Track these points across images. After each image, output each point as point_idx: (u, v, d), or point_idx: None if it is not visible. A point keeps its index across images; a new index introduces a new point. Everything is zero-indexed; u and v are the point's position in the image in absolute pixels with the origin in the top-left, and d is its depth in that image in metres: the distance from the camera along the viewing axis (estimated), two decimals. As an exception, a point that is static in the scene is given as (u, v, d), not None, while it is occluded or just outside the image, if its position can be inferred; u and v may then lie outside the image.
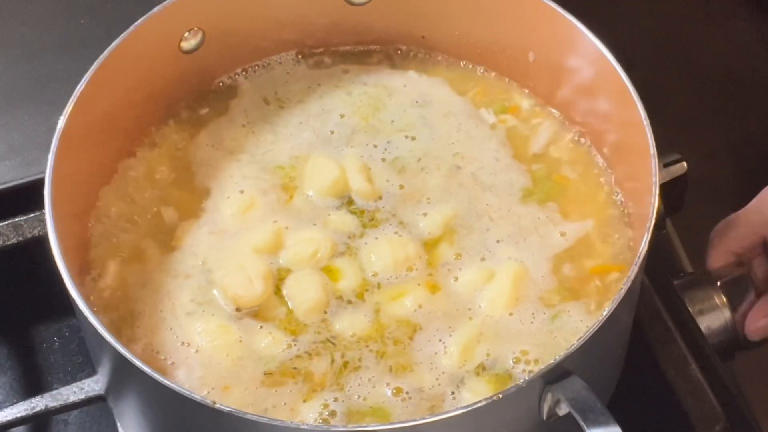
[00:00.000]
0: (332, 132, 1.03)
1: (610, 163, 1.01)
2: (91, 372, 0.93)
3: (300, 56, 1.09)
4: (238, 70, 1.07)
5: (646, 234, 0.86)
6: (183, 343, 0.91)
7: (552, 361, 0.80)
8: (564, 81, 1.02)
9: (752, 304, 1.06)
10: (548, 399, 0.81)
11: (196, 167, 1.02)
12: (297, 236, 0.96)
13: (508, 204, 0.99)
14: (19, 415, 0.91)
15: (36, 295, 1.05)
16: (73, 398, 0.91)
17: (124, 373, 0.85)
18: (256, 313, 0.93)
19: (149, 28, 0.97)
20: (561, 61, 1.01)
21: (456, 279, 0.95)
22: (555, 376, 0.81)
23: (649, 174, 0.89)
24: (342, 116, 1.04)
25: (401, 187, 1.00)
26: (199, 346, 0.91)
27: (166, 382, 0.80)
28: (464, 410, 0.78)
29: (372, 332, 0.92)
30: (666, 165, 1.06)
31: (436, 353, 0.91)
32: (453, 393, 0.89)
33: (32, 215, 1.06)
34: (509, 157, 1.02)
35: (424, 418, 0.79)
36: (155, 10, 0.97)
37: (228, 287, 0.93)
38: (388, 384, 0.89)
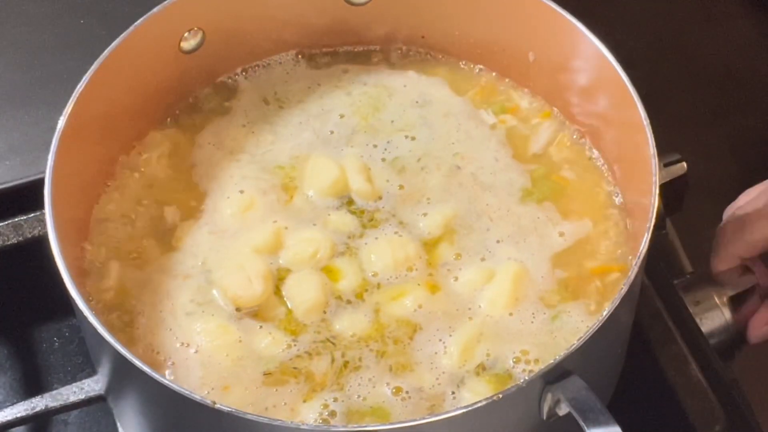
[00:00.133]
0: (332, 132, 1.03)
1: (610, 163, 1.01)
2: (91, 372, 0.93)
3: (300, 56, 1.09)
4: (238, 70, 1.07)
5: (646, 234, 0.86)
6: (183, 344, 0.91)
7: (552, 361, 0.80)
8: (564, 81, 1.02)
9: (755, 304, 1.06)
10: (548, 399, 0.81)
11: (196, 167, 1.02)
12: (297, 236, 0.96)
13: (508, 204, 0.99)
14: (19, 415, 0.91)
15: (36, 295, 1.05)
16: (73, 398, 0.91)
17: (124, 373, 0.85)
18: (256, 313, 0.93)
19: (149, 28, 0.97)
20: (561, 61, 1.01)
21: (456, 279, 0.95)
22: (555, 376, 0.81)
23: (649, 174, 0.89)
24: (342, 116, 1.04)
25: (401, 187, 1.00)
26: (199, 346, 0.91)
27: (166, 382, 0.80)
28: (464, 410, 0.78)
29: (372, 332, 0.92)
30: (666, 165, 1.06)
31: (436, 353, 0.91)
32: (453, 393, 0.89)
33: (32, 215, 1.06)
34: (509, 157, 1.02)
35: (424, 418, 0.79)
36: (155, 10, 0.97)
37: (228, 287, 0.93)
38: (388, 384, 0.89)
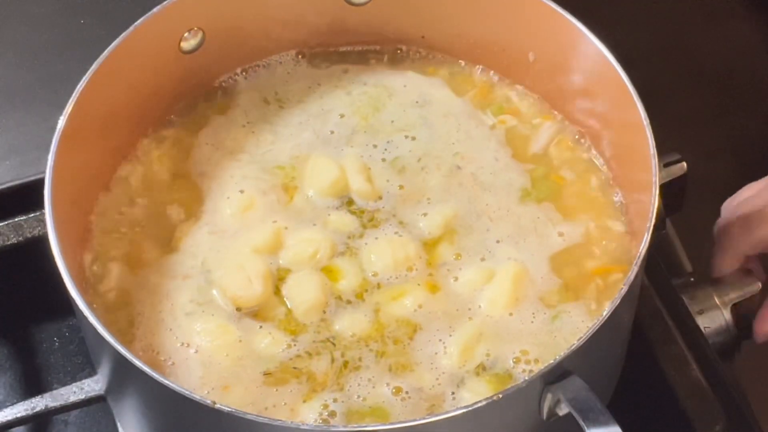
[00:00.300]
0: (332, 132, 1.03)
1: (609, 163, 1.01)
2: (91, 372, 0.93)
3: (300, 56, 1.09)
4: (238, 70, 1.07)
5: (646, 234, 0.86)
6: (183, 344, 0.91)
7: (552, 361, 0.80)
8: (564, 81, 1.02)
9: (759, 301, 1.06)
10: (548, 399, 0.81)
11: (196, 167, 1.02)
12: (297, 236, 0.96)
13: (508, 204, 0.99)
14: (19, 415, 0.91)
15: (36, 295, 1.05)
16: (73, 398, 0.91)
17: (124, 373, 0.85)
18: (256, 313, 0.93)
19: (149, 28, 0.97)
20: (561, 61, 1.01)
21: (456, 279, 0.95)
22: (555, 376, 0.81)
23: (649, 174, 0.89)
24: (342, 116, 1.04)
25: (401, 187, 1.00)
26: (199, 346, 0.91)
27: (166, 382, 0.80)
28: (464, 410, 0.78)
29: (372, 332, 0.92)
30: (666, 165, 1.06)
31: (436, 353, 0.91)
32: (453, 393, 0.89)
33: (32, 215, 1.06)
34: (509, 157, 1.02)
35: (424, 418, 0.79)
36: (155, 10, 0.97)
37: (227, 287, 0.93)
38: (388, 384, 0.89)
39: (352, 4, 1.05)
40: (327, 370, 0.90)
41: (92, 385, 0.92)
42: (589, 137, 1.03)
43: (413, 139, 1.03)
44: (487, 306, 0.93)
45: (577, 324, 0.92)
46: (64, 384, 0.93)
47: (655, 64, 1.45)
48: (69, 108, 0.92)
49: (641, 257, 0.85)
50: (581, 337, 0.81)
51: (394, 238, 0.96)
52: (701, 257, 1.11)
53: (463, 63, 1.08)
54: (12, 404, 0.92)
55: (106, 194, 0.99)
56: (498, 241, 0.97)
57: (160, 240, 0.97)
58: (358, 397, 0.89)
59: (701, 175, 1.11)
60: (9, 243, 1.06)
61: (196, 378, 0.90)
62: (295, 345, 0.91)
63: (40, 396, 0.91)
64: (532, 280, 0.94)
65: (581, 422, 0.79)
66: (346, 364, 0.91)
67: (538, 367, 0.89)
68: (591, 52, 0.96)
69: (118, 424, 1.00)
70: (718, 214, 1.12)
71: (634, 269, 0.84)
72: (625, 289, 0.83)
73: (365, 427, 0.83)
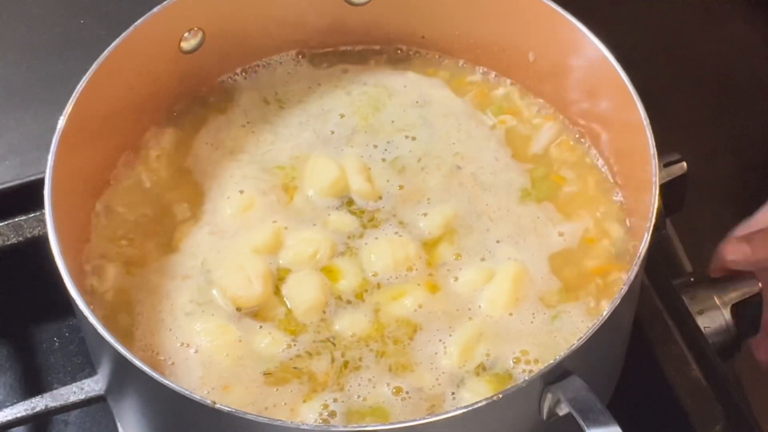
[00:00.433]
0: (332, 132, 1.03)
1: (609, 163, 1.01)
2: (91, 372, 0.93)
3: (300, 56, 1.09)
4: (238, 70, 1.07)
5: (646, 234, 0.86)
6: (183, 344, 0.91)
7: (552, 361, 0.80)
8: (564, 81, 1.02)
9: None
10: (548, 399, 0.81)
11: (196, 167, 1.02)
12: (297, 236, 0.96)
13: (508, 204, 0.99)
14: (19, 415, 0.91)
15: (36, 295, 1.05)
16: (73, 398, 0.91)
17: (124, 373, 0.85)
18: (256, 313, 0.93)
19: (149, 28, 0.97)
20: (561, 61, 1.01)
21: (456, 279, 0.95)
22: (555, 376, 0.81)
23: (649, 174, 0.89)
24: (342, 116, 1.04)
25: (401, 187, 1.00)
26: (199, 346, 0.91)
27: (166, 382, 0.80)
28: (464, 410, 0.78)
29: (372, 332, 0.92)
30: (666, 165, 1.06)
31: (436, 353, 0.91)
32: (453, 393, 0.89)
33: (32, 215, 1.06)
34: (508, 157, 1.02)
35: (424, 418, 0.79)
36: (155, 10, 0.97)
37: (227, 287, 0.93)
38: (388, 384, 0.89)
39: (352, 4, 1.05)
40: (327, 370, 0.90)
41: (92, 385, 0.92)
42: (590, 137, 1.03)
43: (413, 139, 1.03)
44: (487, 306, 0.93)
45: (577, 324, 0.92)
46: (64, 384, 0.93)
47: (655, 64, 1.45)
48: (69, 108, 0.92)
49: (641, 257, 0.85)
50: (581, 337, 0.81)
51: (394, 238, 0.96)
52: (701, 257, 1.11)
53: (463, 63, 1.08)
54: (12, 404, 0.92)
55: (106, 194, 0.99)
56: (498, 241, 0.97)
57: (160, 240, 0.97)
58: (358, 397, 0.89)
59: (701, 175, 1.11)
60: (9, 243, 1.06)
61: (196, 378, 0.90)
62: (295, 345, 0.91)
63: (40, 396, 0.91)
64: (532, 280, 0.94)
65: (581, 422, 0.79)
66: (346, 364, 0.91)
67: (538, 367, 0.89)
68: (591, 52, 0.96)
69: (118, 424, 1.00)
70: (718, 214, 1.12)
71: (634, 269, 0.84)
72: (625, 288, 0.83)
73: (365, 427, 0.83)
